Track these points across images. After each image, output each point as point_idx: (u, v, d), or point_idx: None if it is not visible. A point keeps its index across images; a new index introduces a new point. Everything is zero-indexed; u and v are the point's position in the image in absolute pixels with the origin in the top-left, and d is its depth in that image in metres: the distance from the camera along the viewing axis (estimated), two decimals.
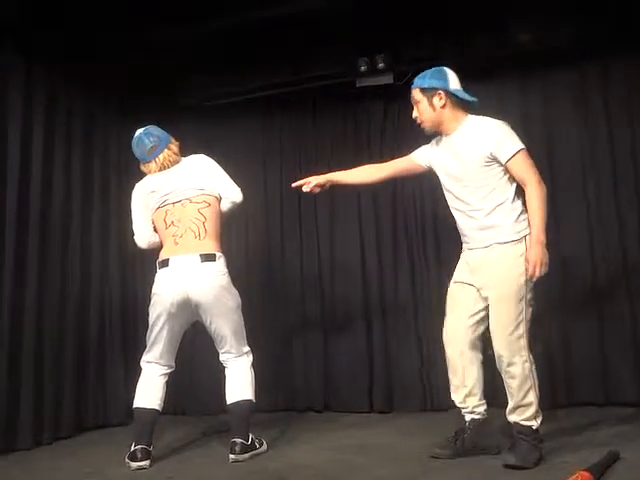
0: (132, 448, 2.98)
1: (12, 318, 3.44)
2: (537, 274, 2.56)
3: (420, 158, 2.95)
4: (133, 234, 3.26)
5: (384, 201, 4.30)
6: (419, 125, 2.84)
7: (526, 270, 2.57)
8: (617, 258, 3.83)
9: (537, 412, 2.62)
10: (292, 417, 4.01)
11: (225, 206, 3.20)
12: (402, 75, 3.93)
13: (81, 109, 4.10)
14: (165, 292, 3.01)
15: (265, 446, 3.15)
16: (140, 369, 3.14)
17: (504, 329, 2.62)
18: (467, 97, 2.76)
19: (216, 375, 3.30)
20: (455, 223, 2.86)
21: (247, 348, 3.17)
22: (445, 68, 2.80)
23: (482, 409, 2.81)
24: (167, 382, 3.13)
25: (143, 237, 3.23)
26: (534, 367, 2.64)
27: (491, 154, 2.64)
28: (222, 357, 3.14)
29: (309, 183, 2.96)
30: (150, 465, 2.96)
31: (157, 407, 3.06)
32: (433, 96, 2.74)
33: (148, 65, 4.00)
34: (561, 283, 3.86)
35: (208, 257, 3.02)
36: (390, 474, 2.62)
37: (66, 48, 3.69)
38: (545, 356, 3.84)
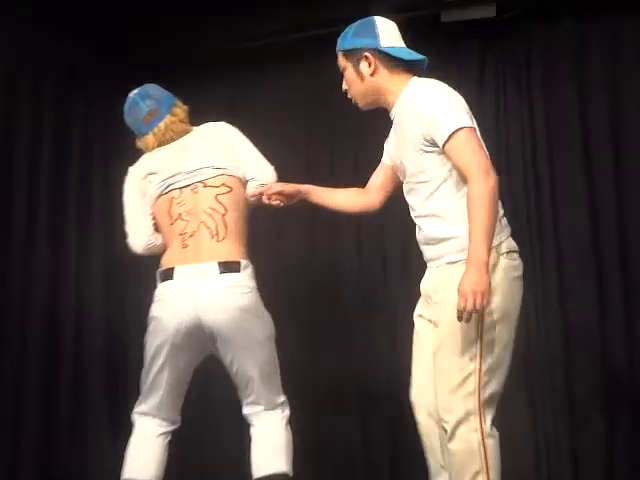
0: None
1: None
2: (469, 308, 1.97)
3: (386, 158, 2.46)
4: (126, 236, 2.80)
5: None
6: (351, 101, 2.36)
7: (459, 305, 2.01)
8: None
9: None
10: None
11: (252, 191, 2.72)
12: (506, 7, 3.26)
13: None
14: (168, 315, 2.58)
15: None
16: (131, 425, 2.70)
17: (446, 382, 2.12)
18: (406, 56, 2.24)
19: (238, 435, 2.87)
20: None
21: (282, 398, 2.70)
22: (375, 18, 2.27)
23: None
24: (169, 443, 2.69)
25: (139, 238, 2.76)
26: (491, 442, 2.06)
27: (426, 135, 2.13)
28: (247, 410, 2.68)
29: (269, 190, 2.52)
30: None
31: (154, 479, 2.63)
32: (360, 60, 2.26)
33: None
34: None
35: (229, 266, 2.57)
36: None
37: None
38: None
